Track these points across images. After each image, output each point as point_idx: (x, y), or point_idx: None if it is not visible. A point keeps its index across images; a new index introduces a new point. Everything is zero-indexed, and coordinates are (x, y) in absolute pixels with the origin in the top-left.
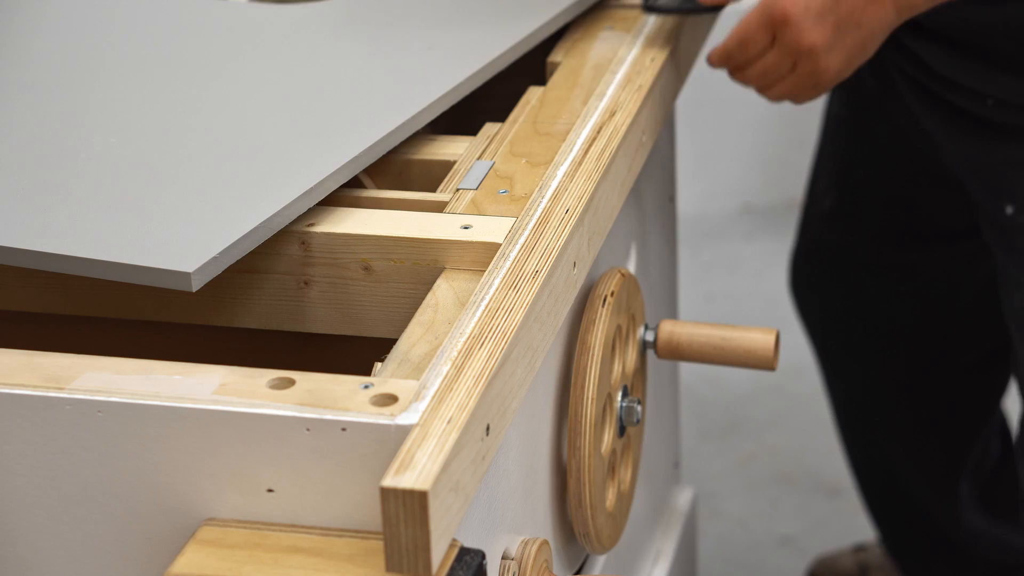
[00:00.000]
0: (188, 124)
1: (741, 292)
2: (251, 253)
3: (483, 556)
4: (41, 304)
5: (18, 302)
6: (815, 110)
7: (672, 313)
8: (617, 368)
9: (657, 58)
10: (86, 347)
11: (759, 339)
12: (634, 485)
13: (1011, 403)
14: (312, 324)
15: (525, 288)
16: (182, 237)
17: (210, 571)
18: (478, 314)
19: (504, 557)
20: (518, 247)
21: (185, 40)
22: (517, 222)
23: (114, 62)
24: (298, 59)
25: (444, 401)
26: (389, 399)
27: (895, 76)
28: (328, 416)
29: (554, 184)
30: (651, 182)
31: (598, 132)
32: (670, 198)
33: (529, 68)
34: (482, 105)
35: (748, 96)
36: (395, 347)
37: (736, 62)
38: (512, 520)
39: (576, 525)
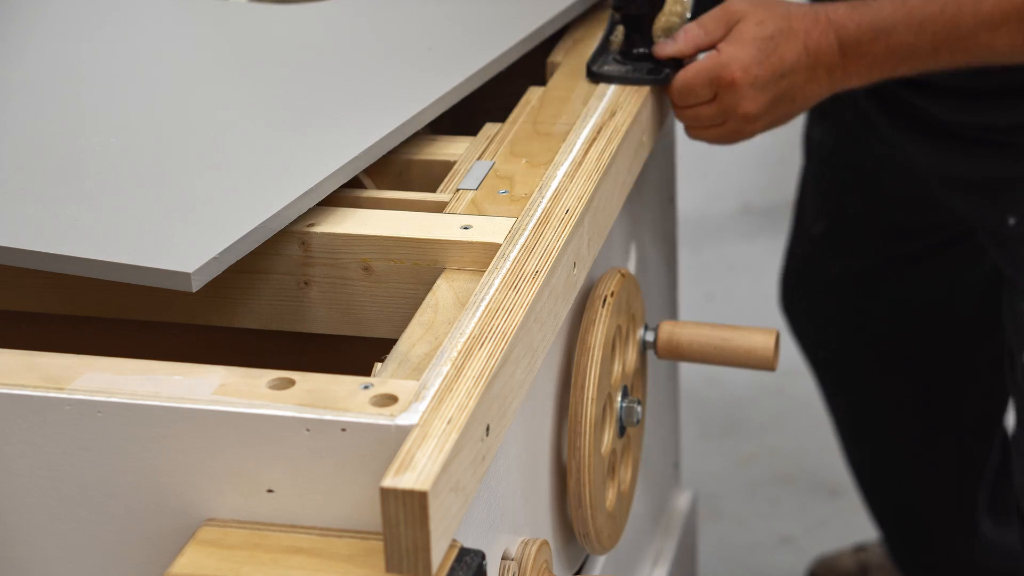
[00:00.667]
0: (188, 124)
1: (741, 292)
2: (251, 253)
3: (483, 556)
4: (41, 304)
5: (18, 302)
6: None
7: (672, 313)
8: (617, 368)
9: None
10: (86, 347)
11: (759, 339)
12: (634, 485)
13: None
14: (312, 324)
15: (525, 288)
16: (182, 237)
17: (210, 571)
18: (478, 314)
19: (504, 557)
20: (518, 247)
21: (185, 40)
22: (517, 222)
23: (114, 62)
24: (298, 59)
25: (444, 401)
26: (389, 399)
27: (874, 116)
28: (328, 416)
29: (554, 184)
30: (651, 182)
31: (598, 132)
32: (670, 198)
33: (529, 68)
34: (482, 105)
35: None
36: (395, 347)
37: (674, 102)
38: (512, 520)
39: (576, 525)
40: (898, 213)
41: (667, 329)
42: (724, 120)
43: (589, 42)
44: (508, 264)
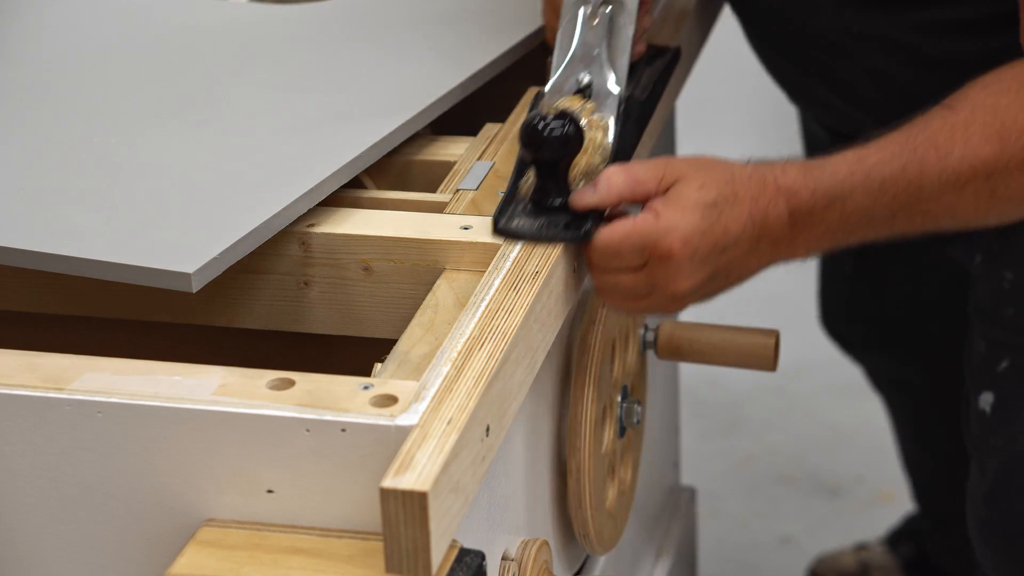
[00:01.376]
0: (188, 125)
1: (741, 292)
2: (251, 254)
3: (483, 557)
4: (41, 304)
5: (18, 302)
6: None
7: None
8: (617, 368)
9: None
10: (86, 347)
11: (759, 339)
12: (634, 485)
13: None
14: (312, 324)
15: (525, 289)
16: (182, 238)
17: (210, 571)
18: (478, 315)
19: (504, 558)
20: (518, 247)
21: (185, 40)
22: None
23: (114, 62)
24: (298, 59)
25: (444, 402)
26: (389, 400)
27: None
28: (328, 417)
29: None
30: None
31: None
32: None
33: (529, 68)
34: (482, 105)
35: (748, 96)
36: (395, 348)
37: (592, 262)
38: (512, 521)
39: (576, 525)
40: (925, 254)
41: (667, 329)
42: (648, 293)
43: None
44: (508, 264)
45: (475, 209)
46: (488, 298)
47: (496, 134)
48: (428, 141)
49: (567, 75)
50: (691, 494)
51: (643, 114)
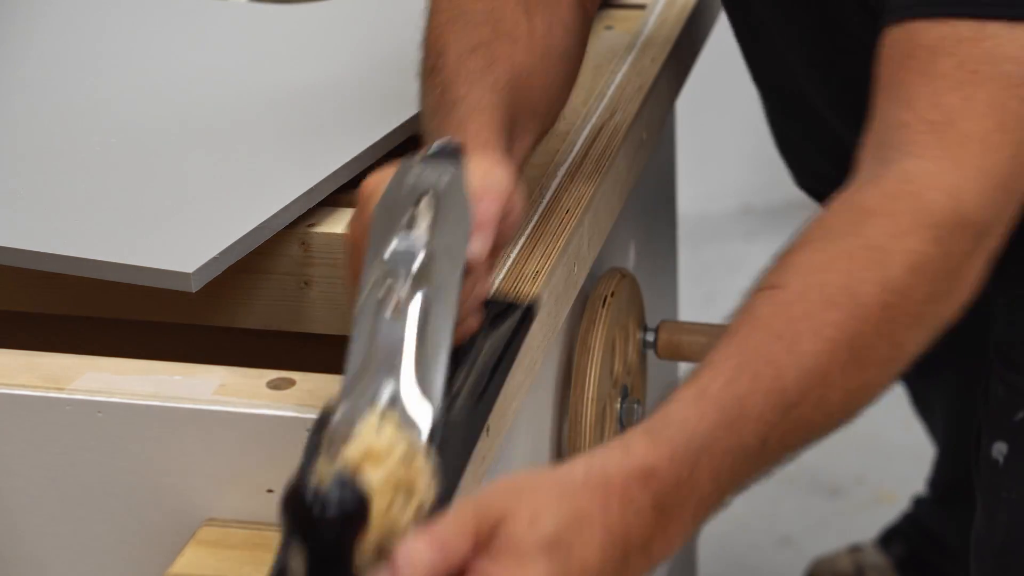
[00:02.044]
0: (188, 124)
1: (741, 292)
2: (251, 253)
3: None
4: (41, 304)
5: (18, 302)
6: None
7: (672, 313)
8: (617, 368)
9: (657, 58)
10: (86, 347)
11: None
12: None
13: None
14: (312, 324)
15: (525, 289)
16: (182, 237)
17: (210, 571)
18: None
19: None
20: (518, 248)
21: (185, 40)
22: None
23: (114, 62)
24: (298, 59)
25: None
26: None
27: None
28: None
29: (554, 184)
30: (651, 182)
31: (598, 132)
32: (670, 198)
33: None
34: None
35: (748, 96)
36: None
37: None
38: None
39: None
40: None
41: (667, 329)
42: None
43: (589, 42)
44: (508, 264)
45: None
46: None
47: None
48: None
49: (360, 390)
50: None
51: (469, 433)
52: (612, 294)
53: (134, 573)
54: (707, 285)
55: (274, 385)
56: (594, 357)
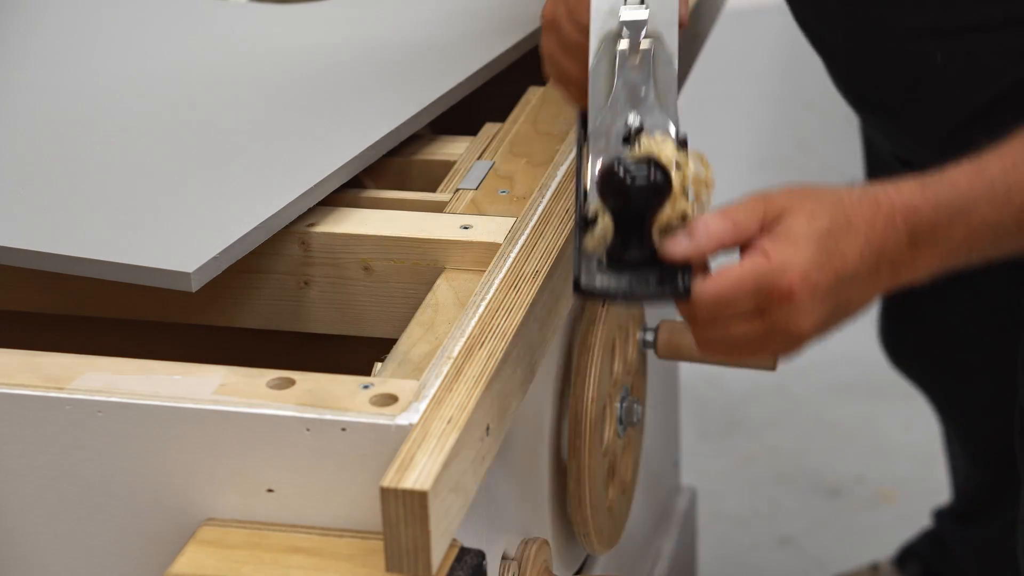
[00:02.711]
0: (188, 124)
1: None
2: (251, 253)
3: (483, 556)
4: (41, 304)
5: (18, 302)
6: (816, 110)
7: (672, 313)
8: (617, 368)
9: None
10: (86, 347)
11: None
12: (634, 485)
13: None
14: (312, 324)
15: (525, 288)
16: (182, 237)
17: (210, 571)
18: (478, 314)
19: (504, 557)
20: (518, 247)
21: (185, 40)
22: (517, 222)
23: (115, 62)
24: (298, 59)
25: (444, 401)
26: (389, 399)
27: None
28: (328, 416)
29: (554, 184)
30: None
31: None
32: None
33: (529, 68)
34: (482, 105)
35: (748, 96)
36: (395, 347)
37: (698, 319)
38: (512, 520)
39: (576, 525)
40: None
41: (667, 329)
42: (765, 339)
43: None
44: (508, 264)
45: (475, 209)
46: (488, 297)
47: (496, 134)
48: (428, 140)
49: (612, 118)
50: (691, 494)
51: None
52: None
53: (134, 573)
54: None
55: (274, 385)
56: (594, 357)
